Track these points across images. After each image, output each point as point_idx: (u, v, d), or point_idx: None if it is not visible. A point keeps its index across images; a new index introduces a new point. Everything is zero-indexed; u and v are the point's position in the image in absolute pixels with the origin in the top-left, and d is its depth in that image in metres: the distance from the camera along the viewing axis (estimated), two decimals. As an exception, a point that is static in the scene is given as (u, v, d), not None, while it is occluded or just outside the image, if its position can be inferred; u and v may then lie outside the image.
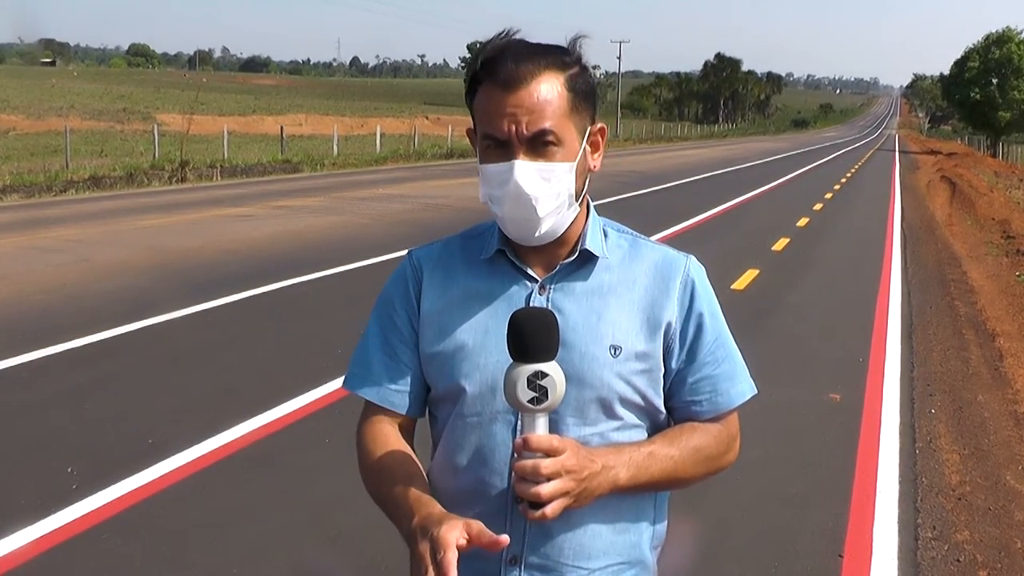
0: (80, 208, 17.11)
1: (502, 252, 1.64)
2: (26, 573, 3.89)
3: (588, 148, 1.61)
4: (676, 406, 1.67)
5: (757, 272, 11.56)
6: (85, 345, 7.33)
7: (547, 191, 1.54)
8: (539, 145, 1.53)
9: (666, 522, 1.73)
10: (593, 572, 1.61)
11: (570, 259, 1.63)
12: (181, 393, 6.30)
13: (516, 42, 1.56)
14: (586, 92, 1.58)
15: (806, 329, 9.06)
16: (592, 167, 1.63)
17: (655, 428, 1.66)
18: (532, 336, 1.45)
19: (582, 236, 1.64)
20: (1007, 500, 4.99)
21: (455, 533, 1.38)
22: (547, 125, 1.52)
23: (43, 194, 19.49)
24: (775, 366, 7.06)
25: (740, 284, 10.54)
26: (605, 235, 1.67)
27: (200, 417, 5.70)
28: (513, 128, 1.51)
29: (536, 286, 1.62)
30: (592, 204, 1.69)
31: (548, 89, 1.53)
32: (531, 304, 1.60)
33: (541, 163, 1.53)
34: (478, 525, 1.40)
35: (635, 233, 1.71)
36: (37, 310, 8.58)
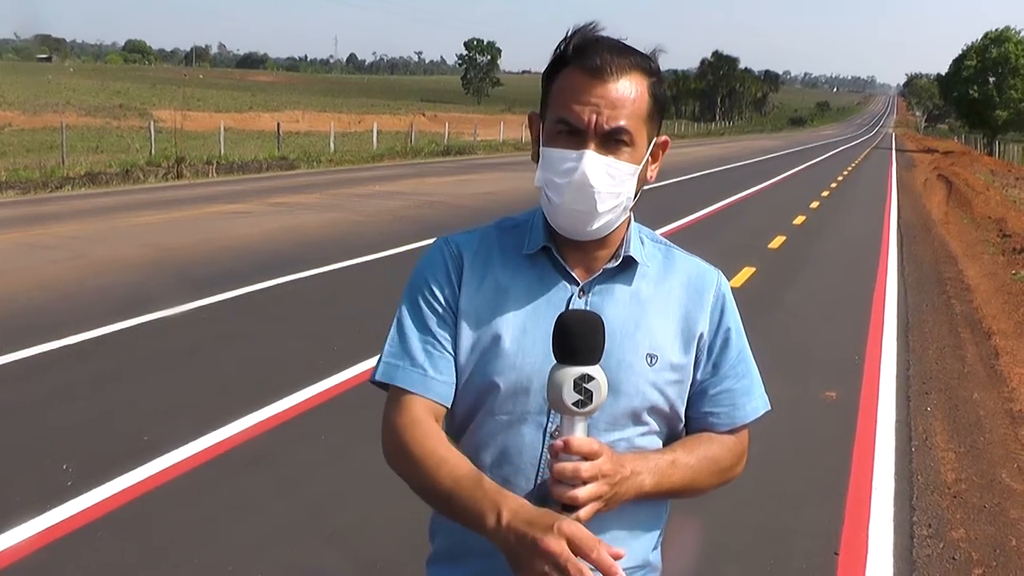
0: (76, 204, 17.07)
1: (546, 249, 1.62)
2: (21, 570, 3.88)
3: (649, 158, 1.61)
4: (694, 416, 1.68)
5: (753, 270, 11.57)
6: (80, 342, 7.31)
7: (610, 188, 1.53)
8: (612, 142, 1.53)
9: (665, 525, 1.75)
10: None
11: (613, 264, 1.62)
12: (176, 390, 6.29)
13: (608, 37, 1.57)
14: (662, 102, 1.59)
15: (802, 327, 9.07)
16: (649, 177, 1.63)
17: (672, 435, 1.67)
18: (580, 339, 1.43)
19: (625, 241, 1.64)
20: (1002, 498, 5.00)
21: (585, 530, 1.36)
22: (625, 123, 1.52)
23: (39, 190, 19.43)
24: (771, 364, 7.01)
25: (736, 282, 10.53)
26: (642, 243, 1.68)
27: (195, 414, 5.69)
28: (593, 118, 1.51)
29: (576, 288, 1.61)
30: (632, 212, 1.68)
31: (633, 89, 1.53)
32: (571, 307, 1.59)
33: (611, 159, 1.53)
34: (586, 530, 1.37)
35: (667, 242, 1.72)
36: (32, 307, 8.56)
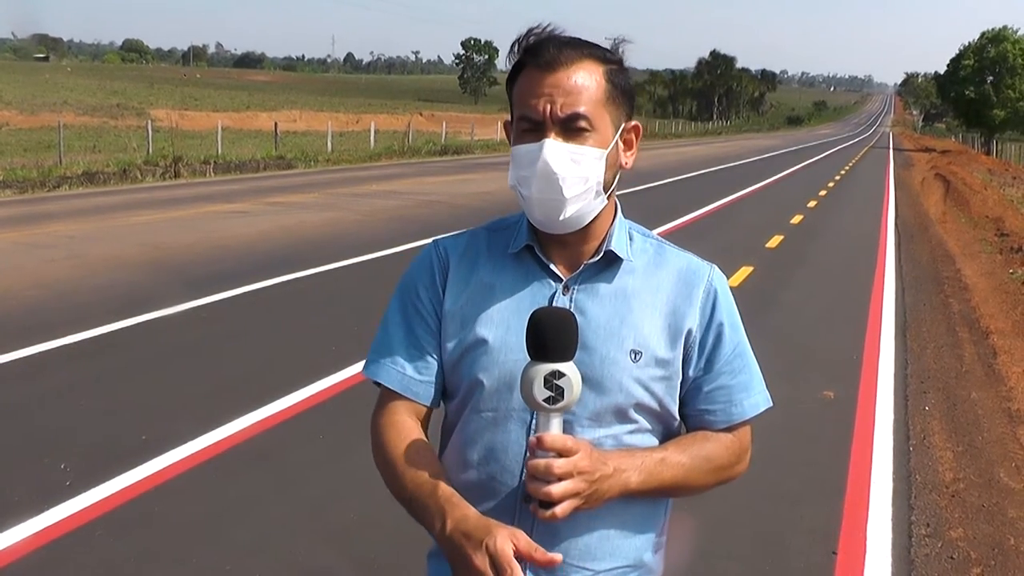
0: (73, 204, 17.05)
1: (529, 248, 1.63)
2: (20, 570, 3.87)
3: (621, 144, 1.62)
4: (690, 414, 1.67)
5: (751, 269, 11.58)
6: (78, 341, 7.30)
7: (575, 173, 1.54)
8: (572, 129, 1.54)
9: (665, 527, 1.73)
10: (598, 574, 1.61)
11: (595, 259, 1.62)
12: (174, 389, 6.28)
13: (560, 34, 1.59)
14: (624, 88, 1.60)
15: (800, 327, 9.07)
16: (624, 164, 1.63)
17: (667, 433, 1.66)
18: (551, 335, 1.44)
19: (608, 236, 1.63)
20: (1000, 497, 5.00)
21: (510, 545, 1.40)
22: (581, 109, 1.53)
23: (36, 190, 19.41)
24: (769, 364, 7.00)
25: (734, 282, 10.53)
26: (631, 238, 1.67)
27: (193, 413, 5.69)
28: (548, 108, 1.53)
29: (560, 285, 1.62)
30: (619, 206, 1.69)
31: (586, 76, 1.55)
32: (554, 303, 1.59)
33: (572, 145, 1.54)
34: (524, 538, 1.42)
35: (660, 238, 1.71)
36: (29, 306, 8.55)
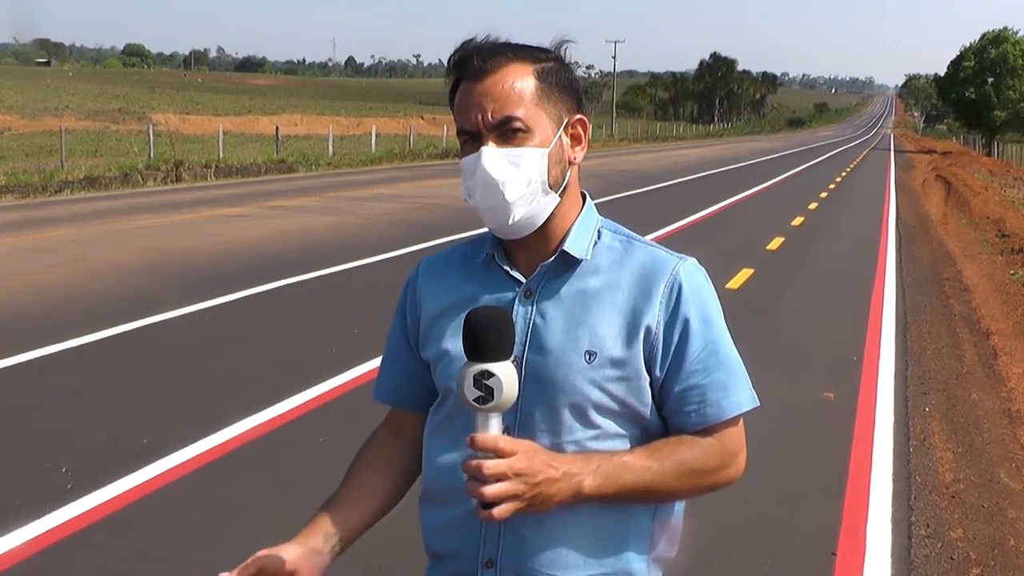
0: (75, 208, 17.08)
1: (493, 256, 1.63)
2: (21, 573, 3.88)
3: (567, 140, 1.59)
4: (667, 416, 1.60)
5: (752, 271, 11.57)
6: (80, 345, 7.32)
7: (516, 176, 1.52)
8: (507, 133, 1.52)
9: (670, 535, 1.67)
10: None
11: (550, 261, 1.59)
12: (176, 393, 6.30)
13: (489, 41, 1.57)
14: (561, 84, 1.57)
15: (800, 328, 9.07)
16: (572, 159, 1.59)
17: (647, 438, 1.59)
18: (483, 335, 1.43)
19: (565, 237, 1.60)
20: (1000, 498, 5.00)
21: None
22: (512, 112, 1.52)
23: (38, 194, 19.45)
24: (769, 365, 7.05)
25: (734, 283, 10.53)
26: (599, 236, 1.62)
27: (195, 417, 5.70)
28: (479, 117, 1.52)
29: (521, 290, 1.59)
30: (591, 203, 1.66)
31: (515, 78, 1.53)
32: (516, 308, 1.58)
33: (509, 148, 1.52)
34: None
35: (632, 235, 1.66)
36: (32, 311, 8.57)
